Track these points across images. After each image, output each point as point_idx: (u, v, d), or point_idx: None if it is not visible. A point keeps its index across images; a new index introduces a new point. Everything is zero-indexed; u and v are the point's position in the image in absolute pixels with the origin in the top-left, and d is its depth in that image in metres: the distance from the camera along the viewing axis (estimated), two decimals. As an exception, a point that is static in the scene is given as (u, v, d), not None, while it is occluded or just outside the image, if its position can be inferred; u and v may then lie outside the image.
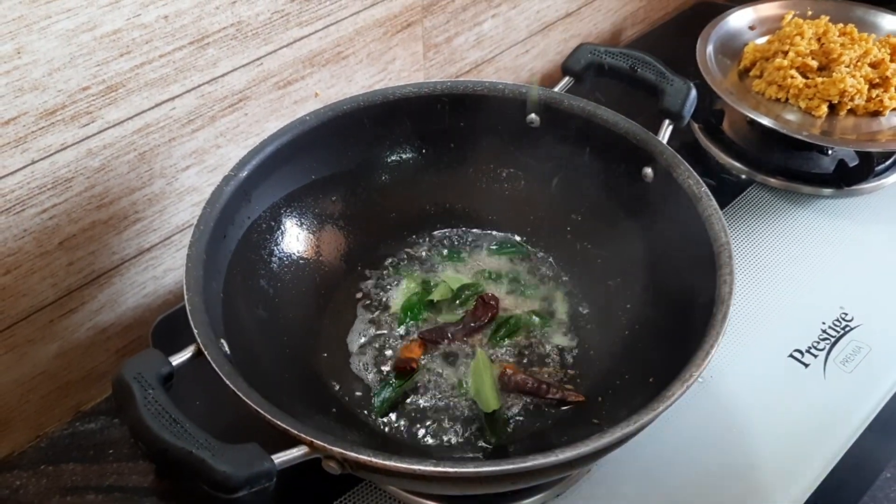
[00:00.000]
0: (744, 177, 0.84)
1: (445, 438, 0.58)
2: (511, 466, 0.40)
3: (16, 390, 0.65)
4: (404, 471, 0.40)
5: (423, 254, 0.71)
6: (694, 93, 0.64)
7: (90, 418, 0.69)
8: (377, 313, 0.66)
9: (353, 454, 0.40)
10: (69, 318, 0.66)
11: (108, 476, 0.64)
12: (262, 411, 0.42)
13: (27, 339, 0.63)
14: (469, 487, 0.44)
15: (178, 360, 0.45)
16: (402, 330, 0.65)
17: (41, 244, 0.61)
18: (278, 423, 0.41)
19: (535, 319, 0.65)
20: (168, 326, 0.68)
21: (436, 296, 0.66)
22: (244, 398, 0.42)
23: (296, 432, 0.41)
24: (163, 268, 0.71)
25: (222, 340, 0.48)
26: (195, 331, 0.46)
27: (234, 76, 0.66)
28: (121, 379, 0.41)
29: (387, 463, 0.40)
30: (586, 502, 0.57)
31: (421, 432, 0.58)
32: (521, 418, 0.59)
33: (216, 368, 0.44)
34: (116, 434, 0.67)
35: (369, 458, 0.40)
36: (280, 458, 0.40)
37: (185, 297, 0.48)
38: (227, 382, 0.43)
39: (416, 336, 0.63)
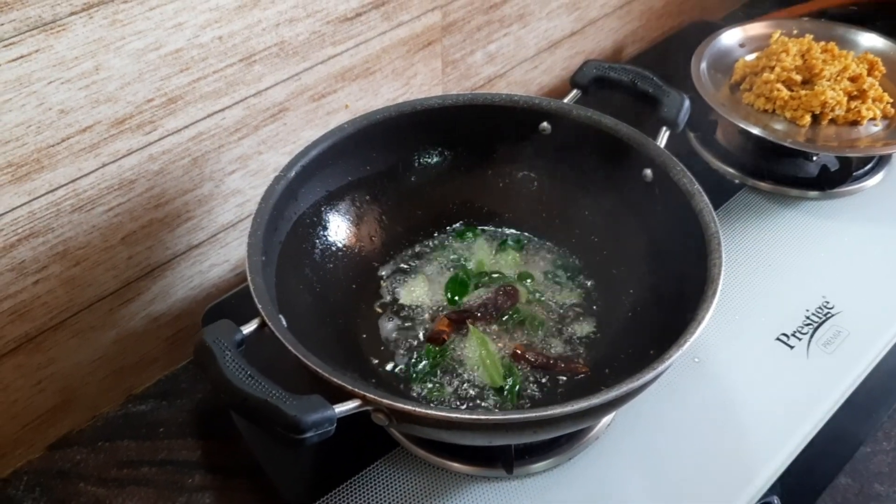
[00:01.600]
0: (736, 181, 0.88)
1: (470, 405, 0.63)
2: (534, 414, 0.46)
3: (78, 373, 0.70)
4: (442, 418, 0.46)
5: (447, 246, 0.75)
6: (688, 103, 0.69)
7: (141, 401, 0.74)
8: (406, 298, 0.71)
9: (399, 405, 0.46)
10: (126, 308, 0.71)
11: (160, 451, 0.69)
12: (321, 371, 0.48)
13: (90, 325, 0.68)
14: (496, 435, 0.50)
15: (247, 329, 0.51)
16: (428, 313, 0.70)
17: (106, 239, 0.66)
18: (335, 380, 0.47)
19: (546, 311, 0.70)
20: (215, 315, 0.73)
21: (474, 268, 0.72)
22: (305, 361, 0.49)
23: (351, 388, 0.47)
24: (208, 263, 0.76)
25: (280, 316, 0.54)
26: (259, 306, 0.52)
27: (276, 90, 0.71)
28: (202, 342, 0.48)
29: (427, 412, 0.46)
30: (595, 465, 0.62)
31: (448, 400, 0.63)
32: (534, 389, 0.64)
33: (279, 336, 0.50)
34: (165, 414, 0.72)
35: (413, 408, 0.46)
36: (339, 408, 0.46)
37: (249, 278, 0.54)
38: (290, 348, 0.49)
39: (443, 316, 0.69)
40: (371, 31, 0.77)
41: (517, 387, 0.64)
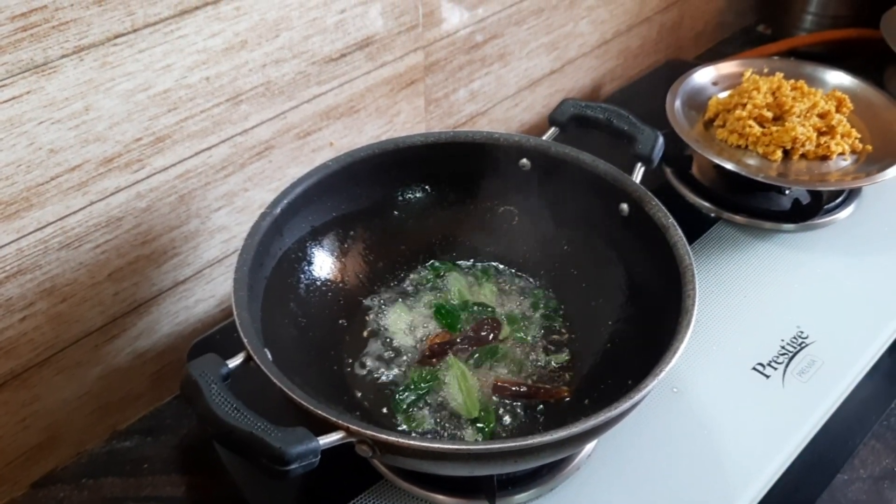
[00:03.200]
0: (712, 214, 0.89)
1: (451, 436, 0.63)
2: (513, 444, 0.47)
3: (63, 409, 0.70)
4: (423, 448, 0.47)
5: (428, 279, 0.76)
6: (661, 140, 0.71)
7: (125, 437, 0.74)
8: (388, 331, 0.72)
9: (382, 436, 0.47)
10: (112, 344, 0.71)
11: (144, 488, 0.69)
12: (306, 404, 0.48)
13: (76, 361, 0.69)
14: (477, 465, 0.50)
15: (232, 363, 0.52)
16: (412, 345, 0.71)
17: (93, 276, 0.67)
18: (319, 412, 0.48)
19: (526, 343, 0.71)
20: (201, 350, 0.71)
21: (455, 298, 0.74)
22: (289, 393, 0.49)
23: (335, 420, 0.48)
24: (194, 298, 0.77)
25: (265, 349, 0.55)
26: (244, 340, 0.53)
27: (262, 128, 0.73)
28: (189, 376, 0.48)
29: (409, 442, 0.47)
30: (577, 494, 0.63)
31: (432, 431, 0.64)
32: (515, 420, 0.64)
33: (264, 369, 0.51)
34: (150, 451, 0.73)
35: (396, 439, 0.47)
36: (323, 439, 0.47)
37: (235, 312, 0.54)
38: (275, 381, 0.50)
39: (427, 346, 0.70)
40: (355, 72, 0.79)
41: (492, 426, 0.64)
